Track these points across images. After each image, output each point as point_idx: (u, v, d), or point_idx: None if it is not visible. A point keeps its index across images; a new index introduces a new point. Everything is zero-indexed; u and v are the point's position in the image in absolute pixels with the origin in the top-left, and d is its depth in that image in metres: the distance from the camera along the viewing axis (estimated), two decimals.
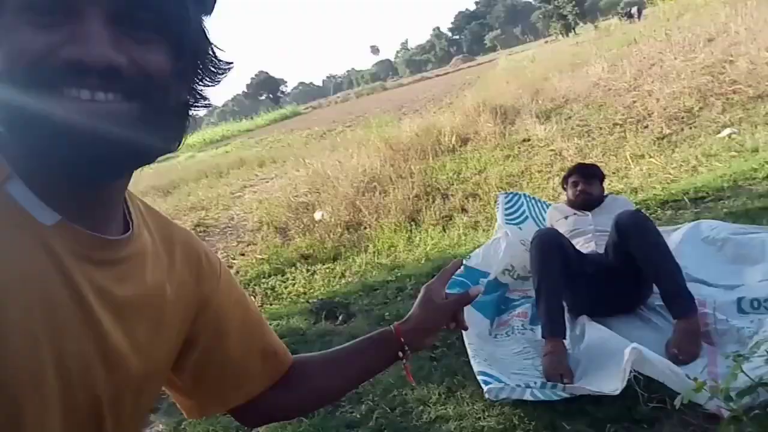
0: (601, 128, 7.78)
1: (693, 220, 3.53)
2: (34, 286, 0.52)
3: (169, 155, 0.70)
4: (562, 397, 2.15)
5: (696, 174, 4.67)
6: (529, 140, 8.10)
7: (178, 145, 0.62)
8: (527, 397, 2.17)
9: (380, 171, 7.99)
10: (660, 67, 10.20)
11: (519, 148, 7.91)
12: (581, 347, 2.48)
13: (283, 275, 5.10)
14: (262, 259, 5.68)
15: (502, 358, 2.55)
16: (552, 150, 7.09)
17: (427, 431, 2.26)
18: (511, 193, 3.67)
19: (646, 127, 7.22)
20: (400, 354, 0.93)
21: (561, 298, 2.52)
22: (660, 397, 2.02)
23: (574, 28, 37.66)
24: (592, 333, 2.50)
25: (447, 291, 3.04)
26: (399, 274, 3.90)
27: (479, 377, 2.33)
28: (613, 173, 5.49)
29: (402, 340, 0.92)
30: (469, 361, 2.60)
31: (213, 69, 0.63)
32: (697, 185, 3.99)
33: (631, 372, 2.04)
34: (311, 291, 4.46)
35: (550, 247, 2.52)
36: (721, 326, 2.33)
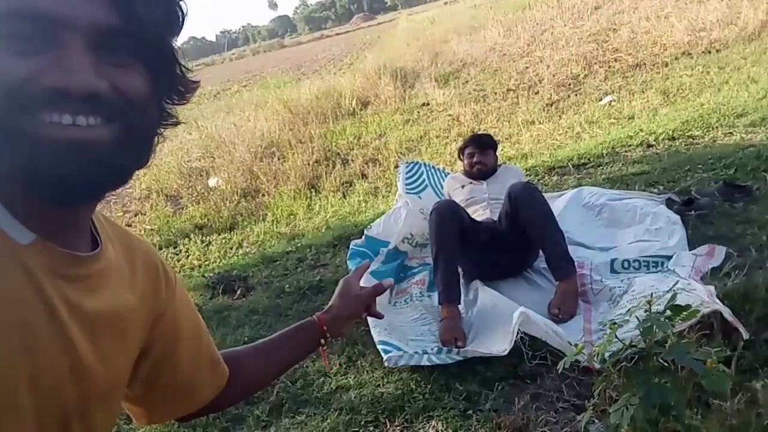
0: (495, 93, 8.06)
1: (575, 186, 3.79)
2: (12, 305, 0.54)
3: None
4: (456, 360, 2.25)
5: (579, 140, 4.98)
6: (428, 104, 8.24)
7: (148, 162, 0.64)
8: (424, 362, 2.26)
9: (278, 135, 7.81)
10: (551, 34, 10.68)
11: (418, 112, 8.02)
12: (474, 311, 2.60)
13: (175, 247, 4.88)
14: (152, 230, 5.41)
15: (401, 326, 2.63)
16: (450, 115, 7.25)
17: (328, 401, 2.29)
18: (412, 162, 3.72)
19: (537, 93, 7.57)
20: (322, 341, 1.02)
21: (457, 266, 2.63)
22: (542, 354, 2.18)
23: None
24: (484, 297, 2.63)
25: (348, 261, 3.07)
26: (299, 245, 3.87)
27: (379, 346, 2.39)
28: (506, 139, 5.72)
29: (324, 328, 1.01)
30: (369, 331, 2.66)
31: (182, 88, 0.65)
32: (580, 152, 4.26)
33: (518, 333, 2.18)
34: (206, 264, 4.32)
35: (448, 218, 2.61)
36: (596, 286, 2.54)
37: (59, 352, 0.59)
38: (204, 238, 4.97)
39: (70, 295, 0.60)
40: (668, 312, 1.46)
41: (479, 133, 3.34)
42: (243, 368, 0.94)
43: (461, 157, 3.34)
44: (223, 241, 4.83)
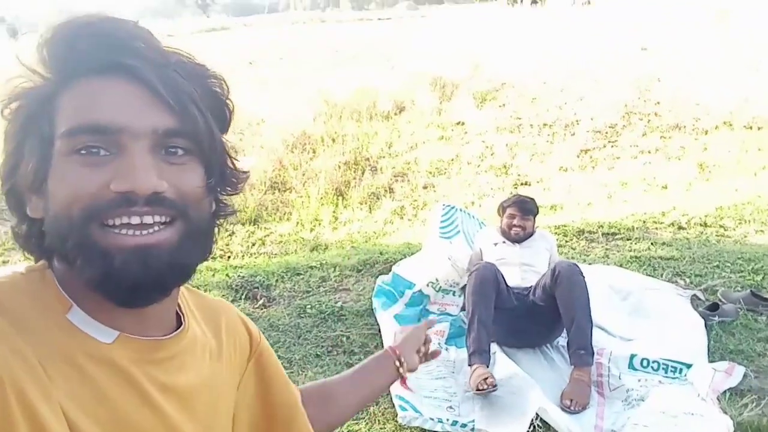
0: (531, 126, 8.07)
1: (603, 256, 3.84)
2: (107, 403, 0.58)
3: None
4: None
5: (611, 202, 5.01)
6: (463, 124, 8.26)
7: (210, 254, 0.68)
8: (437, 429, 2.33)
9: (312, 127, 7.84)
10: (593, 68, 10.61)
11: (453, 130, 8.05)
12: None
13: None
14: None
15: (417, 378, 2.69)
16: (484, 142, 7.27)
17: None
18: (449, 206, 3.77)
19: (573, 134, 7.58)
20: (397, 364, 1.07)
21: (490, 330, 2.69)
22: None
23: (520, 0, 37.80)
24: (502, 367, 2.69)
25: (374, 298, 3.13)
26: (324, 261, 3.93)
27: (396, 401, 2.46)
28: (537, 182, 5.76)
29: (398, 353, 1.08)
30: None
31: (234, 180, 0.70)
32: (611, 220, 4.30)
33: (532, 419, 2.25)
34: (229, 256, 4.39)
35: (489, 283, 2.69)
36: (614, 381, 2.60)
37: (159, 429, 0.63)
38: (228, 226, 5.04)
39: (161, 377, 0.65)
40: None
41: (524, 197, 3.38)
42: (335, 398, 1.00)
43: (501, 213, 3.38)
44: (247, 234, 4.90)
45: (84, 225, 0.56)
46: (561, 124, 8.01)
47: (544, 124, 8.09)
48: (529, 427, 2.24)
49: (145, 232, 0.58)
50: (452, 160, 6.79)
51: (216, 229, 0.70)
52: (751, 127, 7.33)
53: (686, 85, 9.07)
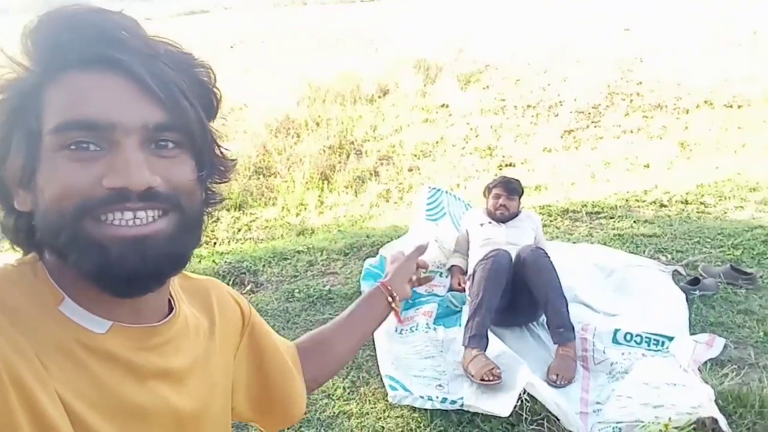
0: (515, 107, 8.10)
1: (587, 234, 3.89)
2: (104, 390, 0.60)
3: None
4: (458, 409, 2.37)
5: (594, 182, 5.07)
6: (447, 106, 8.26)
7: (200, 241, 0.69)
8: (427, 406, 2.37)
9: (296, 111, 7.79)
10: (577, 48, 10.62)
11: (437, 113, 8.05)
12: None
13: None
14: None
15: (406, 358, 2.73)
16: (468, 124, 7.28)
17: (330, 425, 2.40)
18: (435, 188, 3.79)
19: (557, 116, 7.63)
20: (389, 299, 1.08)
21: (493, 316, 2.72)
22: (540, 420, 2.30)
23: None
24: (491, 346, 2.72)
25: (362, 281, 3.15)
26: (311, 246, 3.94)
27: (385, 381, 2.50)
28: (522, 163, 5.80)
29: (389, 289, 1.09)
30: (374, 355, 2.78)
31: (222, 168, 0.71)
32: (595, 200, 4.35)
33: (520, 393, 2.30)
34: (215, 242, 4.38)
35: (503, 271, 2.76)
36: (598, 355, 2.65)
37: (160, 411, 0.66)
38: (213, 213, 5.01)
39: (156, 361, 0.66)
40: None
41: (509, 178, 3.41)
42: (332, 344, 1.03)
43: (486, 195, 3.41)
44: (233, 220, 4.88)
45: (76, 220, 0.56)
46: (544, 105, 8.04)
47: (528, 106, 8.12)
48: (517, 402, 2.28)
49: (139, 222, 0.58)
50: (437, 142, 6.80)
51: (205, 218, 0.71)
52: (731, 106, 7.42)
53: (668, 65, 9.14)
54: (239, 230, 4.67)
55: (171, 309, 0.72)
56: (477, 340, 2.64)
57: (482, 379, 2.47)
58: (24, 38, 0.58)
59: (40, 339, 0.57)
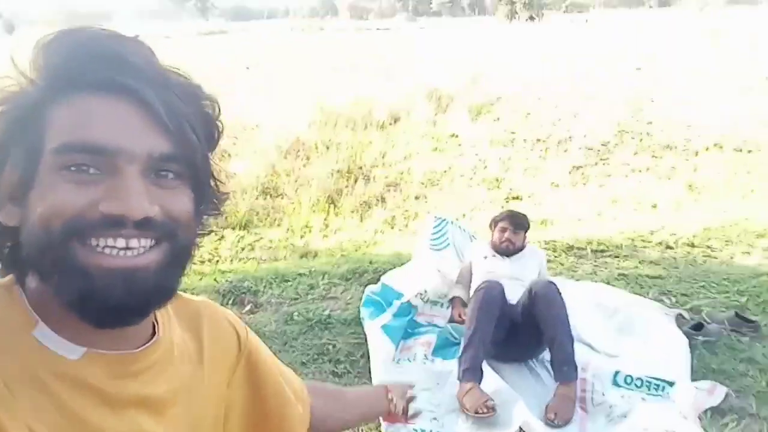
0: (525, 141, 8.13)
1: (591, 273, 3.87)
2: (76, 422, 0.58)
3: None
4: None
5: (601, 219, 5.05)
6: (457, 136, 8.30)
7: (186, 271, 0.68)
8: None
9: (307, 134, 7.86)
10: (588, 84, 10.72)
11: (446, 142, 8.09)
12: None
13: None
14: None
15: None
16: (477, 155, 7.31)
17: None
18: (441, 218, 3.79)
19: (566, 151, 7.65)
20: (390, 396, 1.09)
21: (488, 348, 2.70)
22: None
23: (517, 15, 38.24)
24: (488, 381, 2.69)
25: (362, 307, 3.11)
26: (313, 269, 3.94)
27: None
28: (529, 197, 5.79)
29: (390, 391, 1.10)
30: (369, 383, 2.74)
31: (216, 201, 0.70)
32: (600, 238, 4.33)
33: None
34: (217, 260, 4.38)
35: (495, 302, 2.74)
36: (597, 397, 2.61)
37: None
38: (217, 231, 5.03)
39: (134, 389, 0.63)
40: None
41: (516, 212, 3.40)
42: (340, 400, 1.03)
43: (492, 227, 3.40)
44: (237, 239, 4.89)
45: (64, 241, 0.55)
46: (554, 140, 8.08)
47: (538, 140, 8.15)
48: None
49: (130, 253, 0.57)
50: (445, 171, 6.82)
51: (193, 249, 0.69)
52: (741, 150, 7.42)
53: (678, 105, 9.19)
54: (242, 249, 4.68)
55: (154, 333, 0.69)
56: (471, 373, 2.61)
57: (476, 412, 2.44)
58: (36, 52, 0.57)
59: (9, 367, 0.56)
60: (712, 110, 8.56)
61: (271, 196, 6.02)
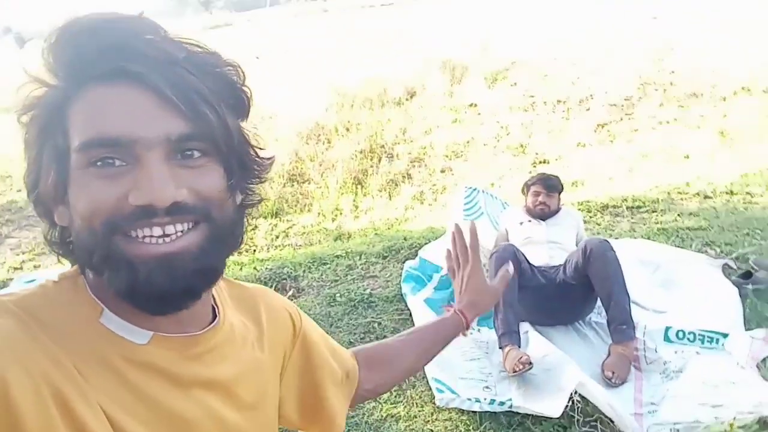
0: (545, 103, 7.98)
1: (629, 230, 3.81)
2: (148, 402, 0.60)
3: None
4: (507, 410, 2.34)
5: (632, 176, 4.96)
6: (475, 105, 8.19)
7: (240, 244, 0.68)
8: (474, 408, 2.34)
9: (325, 118, 7.84)
10: (604, 40, 10.44)
11: (466, 112, 7.99)
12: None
13: None
14: None
15: (451, 360, 2.71)
16: (498, 122, 7.21)
17: (378, 429, 2.39)
18: (471, 188, 3.76)
19: (588, 110, 7.49)
20: (464, 326, 1.07)
21: (517, 310, 2.69)
22: (593, 422, 2.25)
23: None
24: (536, 345, 2.69)
25: (402, 283, 3.11)
26: (349, 250, 3.95)
27: (432, 384, 2.48)
28: (556, 160, 5.71)
29: (466, 316, 1.07)
30: None
31: (257, 168, 0.69)
32: (635, 194, 4.25)
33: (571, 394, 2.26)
34: (254, 250, 4.43)
35: (508, 263, 2.67)
36: (650, 354, 2.59)
37: (206, 421, 0.65)
38: (250, 221, 5.07)
39: (201, 371, 0.65)
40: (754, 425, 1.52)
41: (548, 174, 3.36)
42: (398, 357, 1.03)
43: (525, 192, 3.37)
44: (270, 227, 4.93)
45: (107, 238, 0.56)
46: (575, 100, 7.91)
47: (558, 101, 8.00)
48: (568, 403, 2.24)
49: (168, 239, 0.57)
50: (468, 142, 6.75)
51: (245, 219, 0.70)
52: None
53: (700, 52, 8.90)
54: (277, 237, 4.71)
55: (215, 317, 0.71)
56: (507, 337, 2.62)
57: (514, 371, 2.44)
58: (45, 53, 0.57)
59: (81, 353, 0.57)
60: (736, 54, 8.28)
61: (297, 182, 6.04)
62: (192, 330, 0.66)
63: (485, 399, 2.39)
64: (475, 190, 3.76)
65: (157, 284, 0.56)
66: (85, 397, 0.55)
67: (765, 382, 2.16)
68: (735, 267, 3.15)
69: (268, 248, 4.47)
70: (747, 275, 3.02)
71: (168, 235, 0.57)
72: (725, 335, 2.59)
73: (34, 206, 0.64)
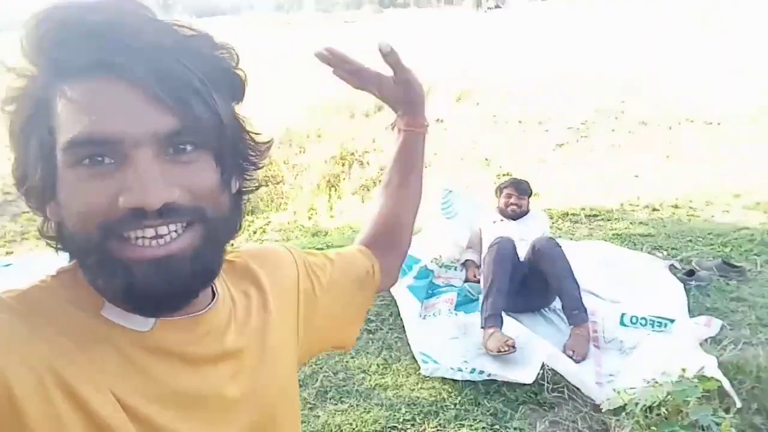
0: (506, 122, 8.46)
1: (587, 235, 4.18)
2: (158, 381, 0.59)
3: None
4: (485, 379, 2.61)
5: (588, 190, 5.39)
6: (442, 121, 8.58)
7: (239, 228, 0.68)
8: (457, 377, 2.60)
9: (298, 125, 8.04)
10: (567, 67, 11.09)
11: (433, 127, 8.32)
12: None
13: None
14: None
15: (433, 340, 2.96)
16: (464, 138, 7.60)
17: (368, 396, 2.61)
18: (448, 189, 4.05)
19: (547, 130, 8.00)
20: (423, 127, 0.98)
21: (505, 297, 2.97)
22: (560, 388, 2.55)
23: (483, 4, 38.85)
24: (508, 328, 2.98)
25: None
26: (330, 244, 4.16)
27: (418, 356, 2.73)
28: (519, 174, 6.09)
29: (415, 120, 0.96)
30: (401, 337, 3.01)
31: (253, 154, 0.66)
32: (592, 205, 4.66)
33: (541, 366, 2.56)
34: (232, 244, 4.57)
35: (507, 256, 3.02)
36: (608, 334, 2.93)
37: (220, 395, 0.64)
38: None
39: (209, 346, 0.65)
40: (696, 380, 1.84)
41: (519, 179, 3.71)
42: (399, 213, 0.98)
43: (498, 194, 3.69)
44: (247, 224, 5.08)
45: (102, 242, 0.54)
46: (535, 121, 8.42)
47: (519, 121, 8.48)
48: (539, 372, 2.53)
49: (162, 241, 0.55)
50: (435, 154, 7.09)
51: (243, 206, 0.69)
52: (711, 123, 7.86)
53: (653, 83, 9.63)
54: (254, 233, 4.87)
55: (215, 294, 0.69)
56: (493, 319, 2.89)
57: (499, 351, 2.71)
58: (24, 42, 0.54)
59: (86, 341, 0.56)
60: (682, 89, 9.00)
61: (272, 183, 6.21)
62: (195, 310, 0.64)
63: (466, 368, 2.65)
64: (451, 192, 4.06)
65: (153, 286, 0.55)
66: (97, 385, 0.55)
67: (708, 355, 2.51)
68: (680, 267, 3.54)
69: (246, 242, 4.62)
70: (690, 273, 3.42)
71: (161, 236, 0.55)
72: (672, 320, 2.95)
73: (25, 200, 0.61)
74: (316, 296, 0.82)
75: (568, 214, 4.54)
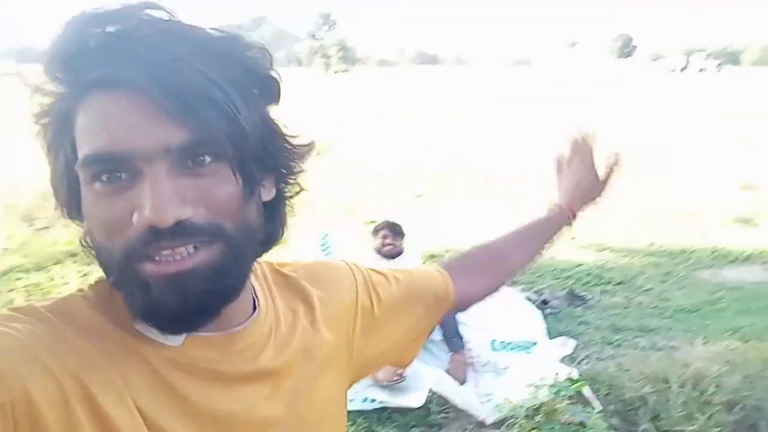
0: (364, 175, 8.87)
1: None
2: (187, 400, 0.58)
3: None
4: (377, 408, 2.68)
5: (446, 234, 5.80)
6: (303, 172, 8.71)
7: (283, 232, 0.66)
8: (349, 407, 2.64)
9: None
10: (413, 123, 11.97)
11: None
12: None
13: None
14: None
15: None
16: (324, 188, 7.78)
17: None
18: (325, 233, 4.18)
19: (403, 181, 8.53)
20: (570, 221, 1.06)
21: None
22: (446, 409, 2.71)
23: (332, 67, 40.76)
24: None
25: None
26: None
27: None
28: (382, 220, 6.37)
29: (573, 209, 1.06)
30: None
31: (289, 158, 0.63)
32: (451, 247, 5.05)
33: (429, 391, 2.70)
34: None
35: None
36: (483, 359, 3.18)
37: (250, 417, 0.61)
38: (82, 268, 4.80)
39: (243, 365, 0.62)
40: (568, 383, 2.10)
41: (393, 221, 3.93)
42: (498, 259, 1.00)
43: (375, 236, 3.87)
44: None
45: (124, 261, 0.53)
46: (397, 171, 8.95)
47: (377, 174, 8.94)
48: (428, 395, 2.68)
49: (178, 257, 0.53)
50: (303, 203, 7.16)
51: (283, 212, 0.66)
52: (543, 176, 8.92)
53: (477, 148, 10.73)
54: None
55: (255, 307, 0.66)
56: None
57: (390, 381, 2.82)
58: (46, 60, 0.54)
59: (116, 352, 0.55)
60: (524, 147, 10.16)
61: None
62: (230, 325, 0.62)
63: (357, 398, 2.71)
64: (327, 234, 4.18)
65: (167, 304, 0.53)
66: (121, 398, 0.53)
67: (567, 367, 2.84)
68: (535, 298, 3.96)
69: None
70: (544, 303, 3.85)
71: (178, 254, 0.53)
72: (535, 343, 3.29)
73: (60, 212, 0.61)
74: (374, 315, 0.79)
75: (434, 256, 4.85)
